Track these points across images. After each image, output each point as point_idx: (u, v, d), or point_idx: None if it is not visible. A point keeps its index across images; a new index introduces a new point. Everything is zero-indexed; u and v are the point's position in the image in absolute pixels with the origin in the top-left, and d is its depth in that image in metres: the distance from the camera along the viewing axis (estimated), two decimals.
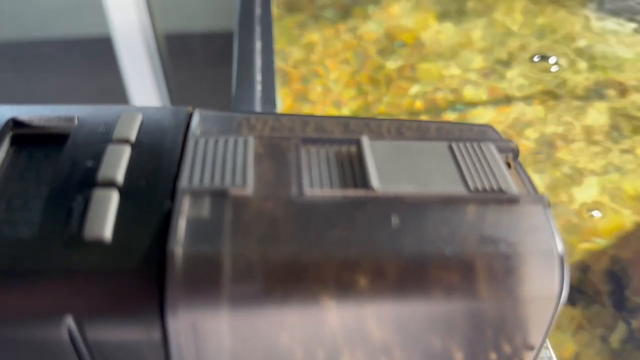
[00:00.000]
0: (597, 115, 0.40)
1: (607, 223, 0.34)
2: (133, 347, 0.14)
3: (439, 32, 0.46)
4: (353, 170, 0.16)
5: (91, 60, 1.16)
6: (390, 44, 0.45)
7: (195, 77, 1.13)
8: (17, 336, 0.13)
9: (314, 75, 0.42)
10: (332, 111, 0.39)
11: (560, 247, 0.14)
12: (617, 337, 0.31)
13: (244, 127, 0.17)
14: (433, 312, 0.15)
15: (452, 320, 0.15)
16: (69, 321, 0.13)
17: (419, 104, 0.40)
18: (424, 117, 0.40)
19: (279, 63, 0.42)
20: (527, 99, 0.41)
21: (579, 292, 0.32)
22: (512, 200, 0.15)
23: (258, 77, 0.40)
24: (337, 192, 0.15)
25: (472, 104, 0.40)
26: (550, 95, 0.41)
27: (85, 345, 0.13)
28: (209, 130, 0.16)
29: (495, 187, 0.15)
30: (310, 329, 0.15)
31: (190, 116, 0.17)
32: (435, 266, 0.14)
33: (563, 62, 0.44)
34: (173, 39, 1.10)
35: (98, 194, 0.14)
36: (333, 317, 0.15)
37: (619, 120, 0.40)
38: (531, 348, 0.15)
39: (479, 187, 0.15)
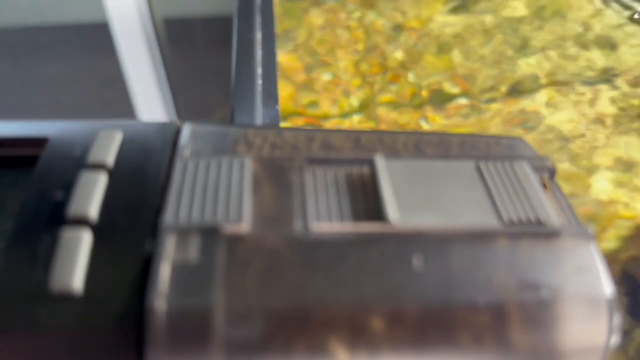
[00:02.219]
0: (608, 103, 0.38)
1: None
2: None
3: (447, 20, 0.44)
4: (367, 198, 0.13)
5: (89, 47, 1.14)
6: (396, 32, 0.42)
7: (194, 62, 1.11)
8: None
9: (319, 65, 0.39)
10: (340, 99, 0.37)
11: (608, 290, 0.12)
12: (634, 345, 0.29)
13: (240, 144, 0.15)
14: None
15: None
16: None
17: (424, 93, 0.38)
18: (428, 107, 0.37)
19: (280, 53, 0.39)
20: (537, 89, 0.38)
21: None
22: (553, 234, 0.13)
23: (259, 70, 0.37)
24: (348, 227, 0.13)
25: (481, 94, 0.38)
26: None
27: None
28: (200, 150, 0.14)
29: (532, 218, 0.13)
30: None
31: (178, 132, 0.15)
32: (462, 314, 0.12)
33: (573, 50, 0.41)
34: (171, 23, 1.07)
35: (67, 234, 0.12)
36: None
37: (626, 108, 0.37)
38: None
39: (514, 218, 0.13)
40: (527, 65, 0.40)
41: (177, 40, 1.08)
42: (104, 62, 1.08)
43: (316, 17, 0.43)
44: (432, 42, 0.42)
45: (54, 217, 0.12)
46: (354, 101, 0.37)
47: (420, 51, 0.41)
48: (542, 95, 0.38)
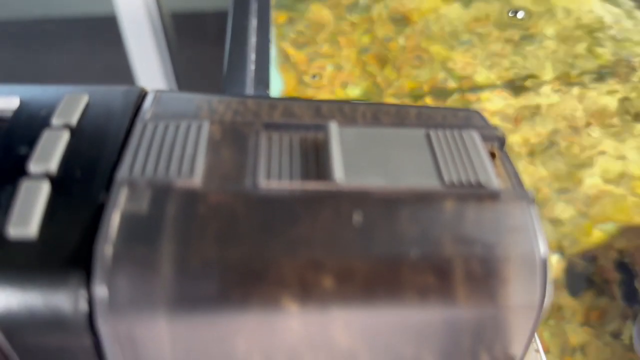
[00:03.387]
0: (609, 98, 0.38)
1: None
2: (64, 355, 0.12)
3: (449, 12, 0.44)
4: (317, 161, 0.14)
5: (96, 39, 1.15)
6: (399, 23, 0.43)
7: (201, 55, 1.12)
8: None
9: (320, 56, 0.40)
10: (339, 92, 0.38)
11: (543, 249, 0.13)
12: (628, 331, 0.30)
13: (203, 110, 0.15)
14: (404, 318, 0.13)
15: (424, 327, 0.14)
16: None
17: (426, 87, 0.39)
18: (428, 100, 0.38)
19: (281, 43, 0.40)
20: (540, 84, 0.39)
21: (589, 282, 0.31)
22: (492, 196, 0.13)
23: (252, 56, 0.38)
24: (296, 185, 0.13)
25: (481, 87, 0.39)
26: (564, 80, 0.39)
27: (13, 348, 0.12)
28: (162, 114, 0.15)
29: (473, 180, 0.14)
30: (268, 335, 0.13)
31: (143, 97, 0.15)
32: (404, 268, 0.13)
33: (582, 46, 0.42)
34: (179, 17, 1.08)
35: (27, 185, 0.12)
36: (295, 322, 0.13)
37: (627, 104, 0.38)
38: (511, 359, 0.14)
39: (455, 180, 0.13)
40: (531, 58, 0.40)
41: (184, 34, 1.09)
42: (111, 55, 1.09)
43: (319, 8, 0.44)
44: (435, 34, 0.42)
45: (16, 170, 0.13)
46: (356, 92, 0.38)
47: (423, 42, 0.41)
48: (546, 90, 0.38)
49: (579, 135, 0.36)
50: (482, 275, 0.13)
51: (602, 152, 0.35)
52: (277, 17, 0.42)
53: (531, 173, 0.34)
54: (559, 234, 0.32)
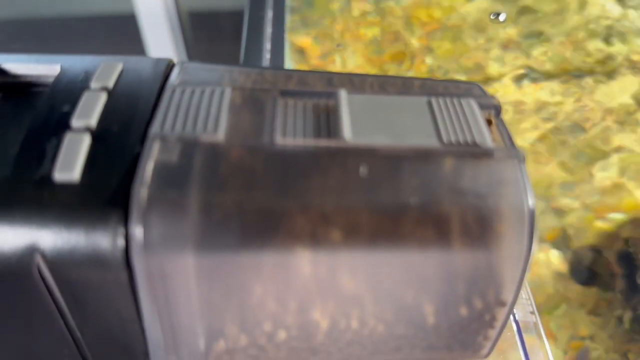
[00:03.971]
0: (622, 93, 0.39)
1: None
2: (101, 287, 0.14)
3: (464, 8, 0.45)
4: (328, 123, 0.16)
5: (116, 36, 1.17)
6: (413, 19, 0.44)
7: (217, 53, 1.14)
8: None
9: (334, 51, 0.41)
10: None
11: (531, 202, 0.14)
12: (627, 318, 0.31)
13: (225, 78, 0.17)
14: (405, 265, 0.15)
15: (423, 274, 0.15)
16: (38, 259, 0.13)
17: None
18: None
19: (295, 38, 0.41)
20: (551, 77, 0.40)
21: (594, 274, 0.32)
22: (486, 154, 0.15)
23: (267, 45, 0.40)
24: (309, 142, 0.15)
25: (494, 80, 0.40)
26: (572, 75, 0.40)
27: (55, 282, 0.14)
28: (188, 81, 0.16)
29: (469, 140, 0.15)
30: (282, 279, 0.15)
31: (171, 67, 0.17)
32: (405, 218, 0.14)
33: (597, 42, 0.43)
34: (196, 15, 1.10)
35: (70, 137, 0.14)
36: (306, 268, 0.15)
37: None
38: (503, 304, 0.15)
39: (453, 140, 0.15)
40: (540, 54, 0.41)
41: (201, 32, 1.11)
42: (130, 52, 1.11)
43: (335, 2, 0.45)
44: (448, 29, 0.43)
45: (61, 125, 0.14)
46: None
47: (437, 37, 0.42)
48: (555, 85, 0.39)
49: (594, 129, 0.37)
50: (474, 223, 0.14)
51: (617, 147, 0.36)
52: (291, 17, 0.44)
53: (544, 162, 0.35)
54: (565, 224, 0.33)
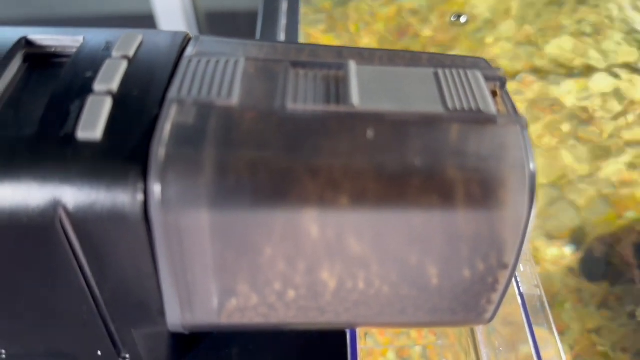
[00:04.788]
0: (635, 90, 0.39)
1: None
2: (120, 242, 0.15)
3: (478, 2, 0.46)
4: (338, 91, 0.16)
5: None
6: (428, 14, 0.45)
7: None
8: (13, 225, 0.14)
9: (349, 43, 0.42)
10: None
11: (532, 165, 0.15)
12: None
13: (239, 50, 0.18)
14: (410, 227, 0.15)
15: (426, 234, 0.16)
16: (61, 212, 0.14)
17: None
18: None
19: (308, 29, 0.42)
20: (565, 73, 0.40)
21: (609, 265, 0.32)
22: (490, 120, 0.15)
23: (282, 36, 0.41)
24: (319, 107, 0.15)
25: (508, 75, 0.40)
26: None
27: (77, 236, 0.15)
28: (204, 52, 0.17)
29: (474, 107, 0.16)
30: (292, 240, 0.15)
31: (188, 40, 0.18)
32: (411, 180, 0.15)
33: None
34: (213, 16, 1.12)
35: (93, 99, 0.15)
36: (314, 229, 0.15)
37: None
38: (505, 266, 0.16)
39: (458, 107, 0.15)
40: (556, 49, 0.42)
41: (218, 32, 1.12)
42: None
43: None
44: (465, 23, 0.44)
45: (84, 89, 0.15)
46: None
47: (452, 32, 0.43)
48: (568, 82, 0.40)
49: (611, 122, 0.37)
50: (478, 186, 0.15)
51: (631, 141, 0.36)
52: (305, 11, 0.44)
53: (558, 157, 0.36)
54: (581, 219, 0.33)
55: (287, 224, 0.15)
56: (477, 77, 0.17)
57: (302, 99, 0.16)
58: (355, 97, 0.15)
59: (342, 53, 0.18)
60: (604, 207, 0.34)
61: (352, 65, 0.17)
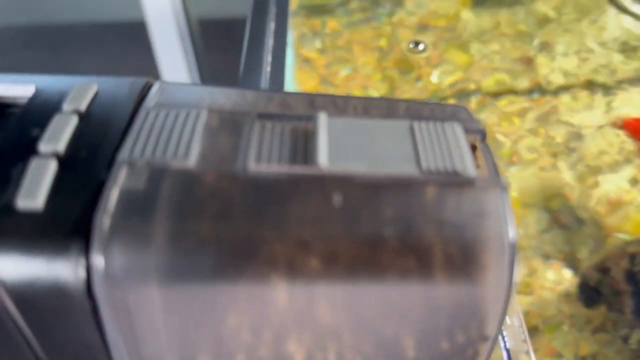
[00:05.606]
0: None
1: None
2: (66, 317, 0.13)
3: (471, 19, 0.45)
4: (305, 148, 0.15)
5: (126, 44, 1.18)
6: (420, 29, 0.44)
7: (226, 60, 1.14)
8: None
9: (340, 61, 0.41)
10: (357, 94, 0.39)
11: (512, 234, 0.14)
12: (636, 336, 0.30)
13: (203, 100, 0.16)
14: (385, 297, 0.14)
15: (404, 307, 0.14)
16: (0, 290, 0.13)
17: (448, 90, 0.39)
18: (451, 102, 0.39)
19: (301, 49, 0.41)
20: (561, 89, 0.39)
21: (599, 294, 0.31)
22: (466, 183, 0.14)
23: (268, 57, 0.39)
24: (283, 168, 0.14)
25: (500, 93, 0.39)
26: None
27: (19, 313, 0.13)
28: (165, 103, 0.16)
29: (450, 168, 0.14)
30: (257, 310, 0.14)
31: (149, 88, 0.17)
32: (383, 249, 0.14)
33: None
34: (205, 23, 1.10)
35: (36, 162, 0.14)
36: (283, 298, 0.14)
37: None
38: (485, 339, 0.15)
39: (432, 168, 0.14)
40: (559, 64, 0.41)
41: (210, 39, 1.11)
42: (140, 60, 1.11)
43: (340, 17, 0.45)
44: (455, 39, 0.43)
45: (28, 149, 0.14)
46: (374, 94, 0.39)
47: (445, 47, 0.42)
48: (564, 97, 0.39)
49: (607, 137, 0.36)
50: (455, 256, 0.13)
51: (629, 159, 0.35)
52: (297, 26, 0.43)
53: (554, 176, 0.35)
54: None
55: (253, 293, 0.14)
56: (456, 131, 0.16)
57: (266, 157, 0.15)
58: (323, 157, 0.14)
59: (315, 102, 0.17)
60: (595, 228, 0.33)
61: (323, 118, 0.15)
